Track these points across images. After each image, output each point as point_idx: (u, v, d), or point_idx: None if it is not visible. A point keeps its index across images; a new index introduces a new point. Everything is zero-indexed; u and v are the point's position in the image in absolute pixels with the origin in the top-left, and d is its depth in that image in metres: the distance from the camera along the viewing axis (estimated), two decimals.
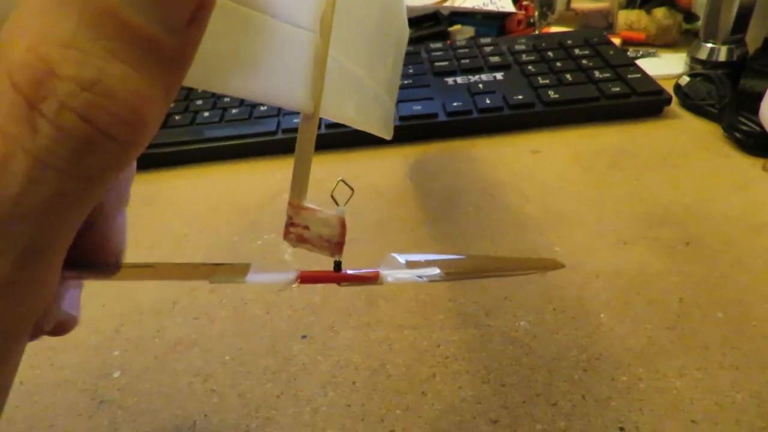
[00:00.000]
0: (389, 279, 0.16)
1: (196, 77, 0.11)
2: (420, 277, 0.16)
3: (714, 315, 0.26)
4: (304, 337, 0.27)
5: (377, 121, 0.16)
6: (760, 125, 0.37)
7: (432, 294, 0.28)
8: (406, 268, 0.17)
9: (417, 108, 0.43)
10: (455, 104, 0.43)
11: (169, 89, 0.10)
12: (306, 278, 0.15)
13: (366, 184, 0.38)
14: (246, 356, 0.26)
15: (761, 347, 0.24)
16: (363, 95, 0.19)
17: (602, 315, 0.26)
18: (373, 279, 0.16)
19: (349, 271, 0.16)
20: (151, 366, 0.26)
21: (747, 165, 0.36)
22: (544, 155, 0.40)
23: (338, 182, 0.15)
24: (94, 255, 0.16)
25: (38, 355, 0.27)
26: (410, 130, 0.42)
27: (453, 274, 0.17)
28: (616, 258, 0.29)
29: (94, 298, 0.30)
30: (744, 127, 0.38)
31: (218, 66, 0.12)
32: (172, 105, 0.47)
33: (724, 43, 0.45)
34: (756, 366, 0.23)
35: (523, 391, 0.23)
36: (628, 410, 0.22)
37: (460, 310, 0.27)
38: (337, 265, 0.16)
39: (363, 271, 0.16)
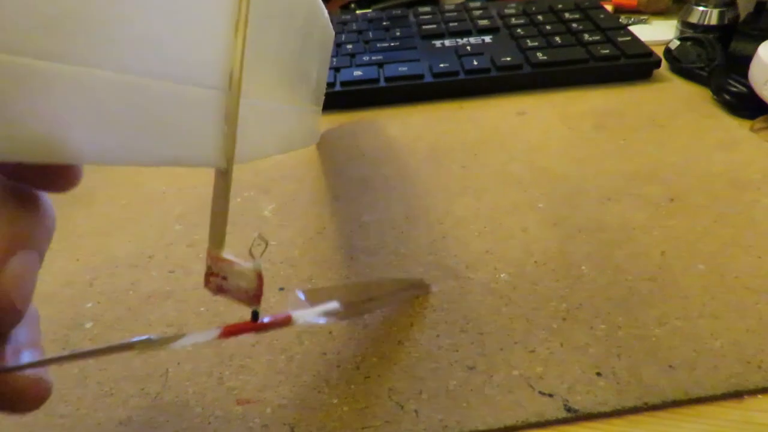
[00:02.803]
0: (300, 321, 0.16)
1: (94, 153, 0.10)
2: (324, 317, 0.17)
3: (695, 267, 0.25)
4: (281, 289, 0.26)
5: (303, 138, 0.15)
6: (750, 87, 0.37)
7: (412, 248, 0.28)
8: (306, 302, 0.17)
9: (403, 69, 0.42)
10: (442, 65, 0.42)
11: None
12: (227, 333, 0.15)
13: (349, 143, 0.38)
14: (221, 307, 0.26)
15: (742, 297, 0.23)
16: (284, 124, 0.19)
17: (583, 267, 0.26)
18: (286, 322, 0.16)
19: (265, 320, 0.16)
20: (124, 317, 0.26)
21: (735, 126, 0.36)
22: (531, 116, 0.39)
23: (255, 237, 0.15)
24: None
25: None
26: (396, 91, 0.41)
27: (349, 311, 0.17)
28: (599, 213, 0.29)
29: (68, 252, 0.30)
30: (733, 89, 0.37)
31: (119, 139, 0.11)
32: None
33: (715, 6, 0.44)
34: (736, 315, 0.23)
35: (501, 339, 0.23)
36: (606, 356, 0.21)
37: (440, 263, 0.27)
38: (254, 315, 0.16)
39: (277, 317, 0.16)
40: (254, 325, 0.15)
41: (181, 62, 0.13)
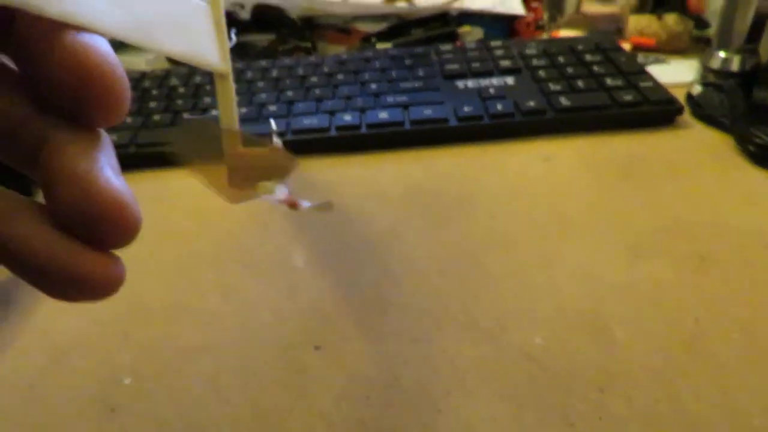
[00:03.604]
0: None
1: (133, 34, 0.12)
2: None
3: (730, 335, 0.26)
4: (316, 348, 0.27)
5: (175, 34, 0.16)
6: None
7: (445, 306, 0.28)
8: None
9: (428, 112, 0.42)
10: (466, 109, 0.42)
11: None
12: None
13: (375, 188, 0.38)
14: (258, 365, 0.26)
15: None
16: None
17: (617, 331, 0.26)
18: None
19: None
20: (162, 372, 0.26)
21: (760, 178, 0.36)
22: (556, 163, 0.39)
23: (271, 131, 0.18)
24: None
25: (47, 358, 0.27)
26: (421, 134, 0.42)
27: None
28: (629, 271, 0.29)
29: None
30: (757, 140, 0.38)
31: (152, 26, 0.13)
32: (179, 102, 0.47)
33: (737, 53, 0.45)
34: None
35: (540, 411, 0.23)
36: None
37: (475, 323, 0.27)
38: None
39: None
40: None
41: None
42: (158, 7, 0.13)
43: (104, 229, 0.11)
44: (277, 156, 0.18)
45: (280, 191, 0.20)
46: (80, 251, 0.12)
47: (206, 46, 0.16)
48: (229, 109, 0.17)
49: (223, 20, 0.16)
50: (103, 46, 0.11)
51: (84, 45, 0.11)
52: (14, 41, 0.12)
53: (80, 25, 0.11)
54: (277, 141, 0.18)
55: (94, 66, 0.11)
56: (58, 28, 0.11)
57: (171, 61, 0.57)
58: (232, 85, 0.17)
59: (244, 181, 0.18)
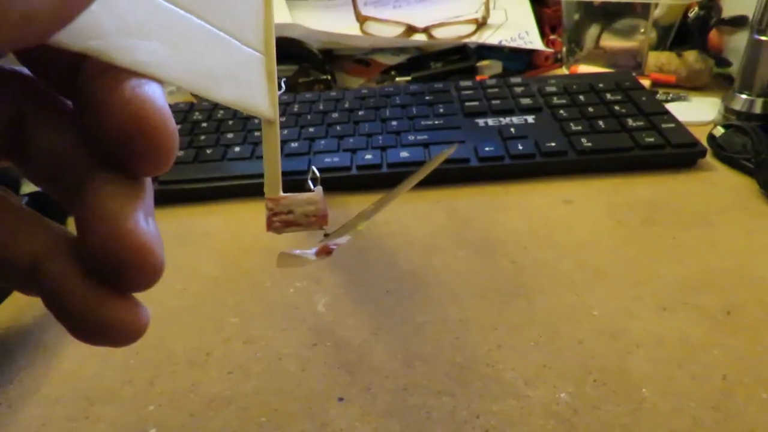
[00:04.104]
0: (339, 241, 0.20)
1: (193, 83, 0.13)
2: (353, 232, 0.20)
3: (759, 395, 0.25)
4: (341, 399, 0.27)
5: (233, 84, 0.17)
6: None
7: (469, 357, 0.28)
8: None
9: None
10: (487, 149, 0.42)
11: None
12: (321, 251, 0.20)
13: (397, 230, 0.38)
14: (282, 418, 0.26)
15: None
16: (201, 47, 0.20)
17: (644, 390, 0.26)
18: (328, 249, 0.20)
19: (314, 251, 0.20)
20: (187, 424, 0.26)
21: None
22: (578, 206, 0.39)
23: (310, 169, 0.20)
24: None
25: (73, 406, 0.27)
26: (442, 174, 0.42)
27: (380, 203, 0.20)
28: (656, 326, 0.29)
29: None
30: None
31: (210, 76, 0.14)
32: (202, 138, 0.47)
33: (759, 96, 0.45)
34: None
35: None
36: None
37: (499, 376, 0.27)
38: (326, 235, 0.20)
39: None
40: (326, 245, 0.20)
41: (241, 26, 0.16)
42: (217, 58, 0.14)
43: (126, 271, 0.12)
44: (316, 204, 0.19)
45: (312, 249, 0.21)
46: (107, 296, 0.12)
47: (257, 93, 0.16)
48: (273, 153, 0.18)
49: (275, 70, 0.17)
50: (161, 100, 0.12)
51: (143, 97, 0.11)
52: (78, 84, 0.12)
53: (147, 74, 0.12)
54: (318, 189, 0.19)
55: (149, 119, 0.11)
56: (122, 76, 0.11)
57: (195, 95, 0.58)
58: (278, 131, 0.18)
59: (281, 226, 0.19)
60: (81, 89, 0.12)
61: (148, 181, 0.13)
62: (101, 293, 0.12)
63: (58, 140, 0.13)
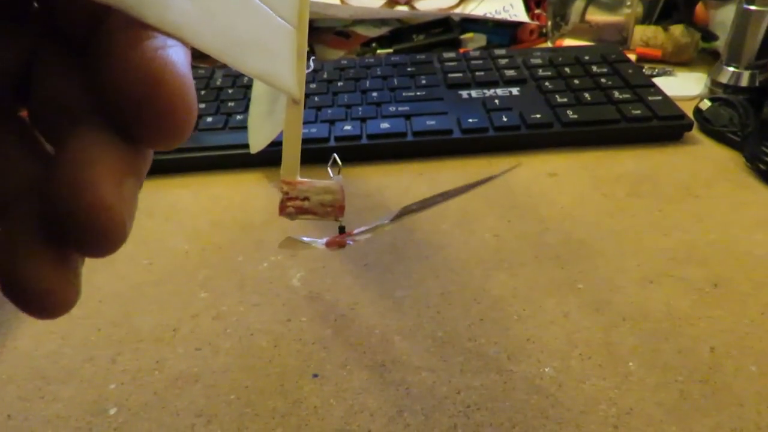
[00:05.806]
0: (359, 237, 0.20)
1: (222, 50, 0.12)
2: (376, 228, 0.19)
3: (747, 368, 0.24)
4: (315, 376, 0.25)
5: (259, 53, 0.16)
6: None
7: (450, 331, 0.27)
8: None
9: (431, 123, 0.41)
10: (471, 121, 0.41)
11: None
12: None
13: (377, 202, 0.37)
14: (252, 395, 0.24)
15: None
16: (229, 12, 0.19)
17: (630, 363, 0.25)
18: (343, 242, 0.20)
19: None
20: (150, 403, 0.24)
21: None
22: (562, 178, 0.38)
23: (333, 156, 0.19)
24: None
25: (27, 385, 0.25)
26: (423, 146, 0.41)
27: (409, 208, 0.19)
28: (642, 299, 0.28)
29: (89, 320, 0.29)
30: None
31: (240, 44, 0.13)
32: (201, 106, 0.44)
33: (747, 68, 0.44)
34: None
35: None
36: None
37: (481, 351, 0.26)
38: (341, 229, 0.19)
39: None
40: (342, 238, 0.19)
41: None
42: (249, 26, 0.13)
43: (82, 227, 0.10)
44: (334, 193, 0.18)
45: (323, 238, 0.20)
46: (45, 259, 0.11)
47: (285, 68, 0.15)
48: (295, 136, 0.17)
49: (306, 46, 0.16)
50: (185, 66, 0.10)
51: (167, 60, 0.10)
52: (98, 36, 0.11)
53: (176, 35, 0.11)
54: (337, 179, 0.18)
55: (169, 84, 0.10)
56: (148, 34, 0.10)
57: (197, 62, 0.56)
58: (302, 112, 0.17)
59: (294, 212, 0.18)
60: (100, 41, 0.11)
61: (149, 153, 0.12)
62: (41, 253, 0.11)
63: (65, 87, 0.12)
